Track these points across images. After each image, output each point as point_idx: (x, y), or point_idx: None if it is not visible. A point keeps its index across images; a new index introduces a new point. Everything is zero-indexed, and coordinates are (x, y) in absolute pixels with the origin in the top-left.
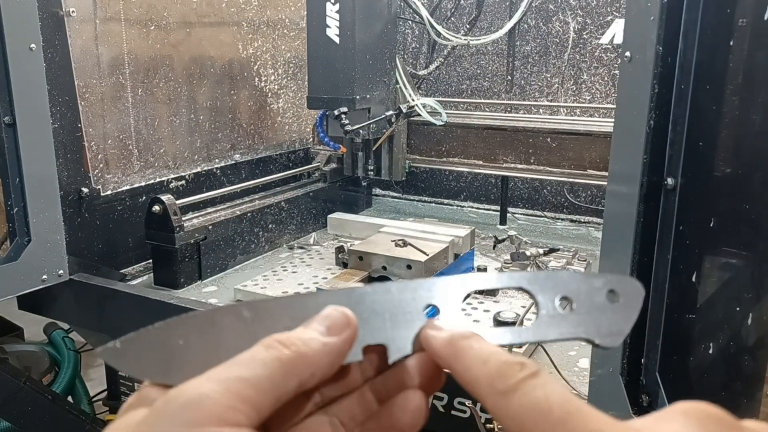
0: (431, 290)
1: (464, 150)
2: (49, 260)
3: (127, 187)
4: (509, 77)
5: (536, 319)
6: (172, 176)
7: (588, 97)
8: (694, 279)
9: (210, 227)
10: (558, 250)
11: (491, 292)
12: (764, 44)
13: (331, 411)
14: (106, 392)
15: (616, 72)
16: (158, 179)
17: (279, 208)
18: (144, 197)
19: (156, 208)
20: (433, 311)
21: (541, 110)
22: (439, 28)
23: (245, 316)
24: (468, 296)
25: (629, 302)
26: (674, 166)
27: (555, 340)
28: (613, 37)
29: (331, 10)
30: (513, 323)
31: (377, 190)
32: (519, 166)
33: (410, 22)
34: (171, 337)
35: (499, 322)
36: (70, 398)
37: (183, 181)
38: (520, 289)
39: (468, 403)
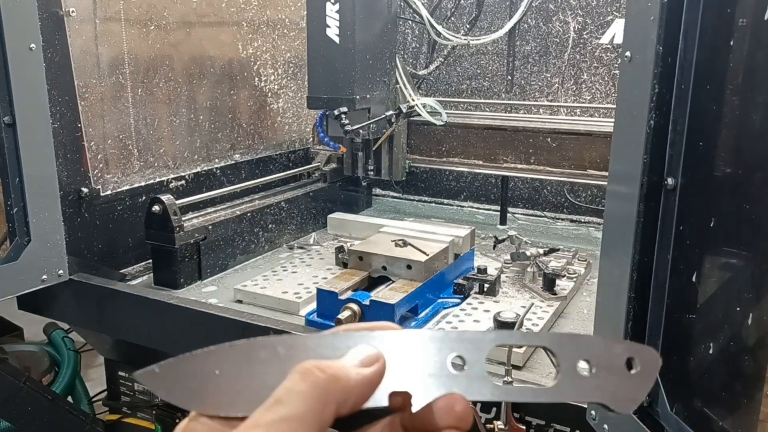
0: (457, 342)
1: (464, 150)
2: (49, 260)
3: (127, 187)
4: (509, 77)
5: (557, 380)
6: (172, 176)
7: (588, 97)
8: (694, 279)
9: (210, 227)
10: (558, 250)
11: (491, 292)
12: (764, 44)
13: None
14: (105, 392)
15: (616, 72)
16: (158, 179)
17: (279, 208)
18: (144, 197)
19: (156, 208)
20: (459, 365)
21: (541, 110)
22: (439, 28)
23: (279, 351)
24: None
25: (645, 370)
26: (674, 166)
27: (573, 401)
28: (613, 37)
29: (331, 10)
30: (513, 324)
31: (377, 190)
32: (519, 166)
33: (410, 22)
34: (207, 366)
35: (499, 323)
36: (69, 398)
37: (183, 181)
38: (543, 348)
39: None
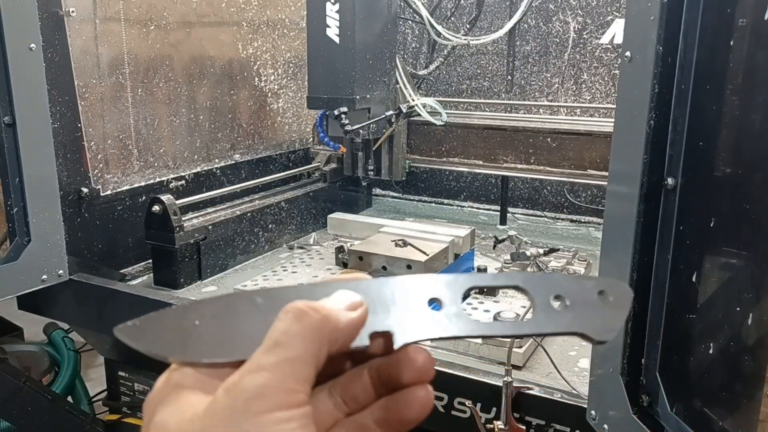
0: (434, 285)
1: (464, 150)
2: (49, 260)
3: (127, 187)
4: (509, 77)
5: (533, 315)
6: (172, 176)
7: (588, 97)
8: (694, 279)
9: (210, 227)
10: (558, 250)
11: (491, 292)
12: (764, 44)
13: (334, 391)
14: (105, 392)
15: (616, 72)
16: (158, 179)
17: (279, 208)
18: (144, 197)
19: (156, 208)
20: (436, 306)
21: (541, 110)
22: (439, 28)
23: (258, 301)
24: (469, 292)
25: (619, 301)
26: (674, 166)
27: (552, 334)
28: (613, 37)
29: (331, 10)
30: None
31: (377, 190)
32: (519, 166)
33: (410, 22)
34: (187, 318)
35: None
36: (69, 398)
37: (183, 181)
38: (516, 287)
39: (468, 403)
